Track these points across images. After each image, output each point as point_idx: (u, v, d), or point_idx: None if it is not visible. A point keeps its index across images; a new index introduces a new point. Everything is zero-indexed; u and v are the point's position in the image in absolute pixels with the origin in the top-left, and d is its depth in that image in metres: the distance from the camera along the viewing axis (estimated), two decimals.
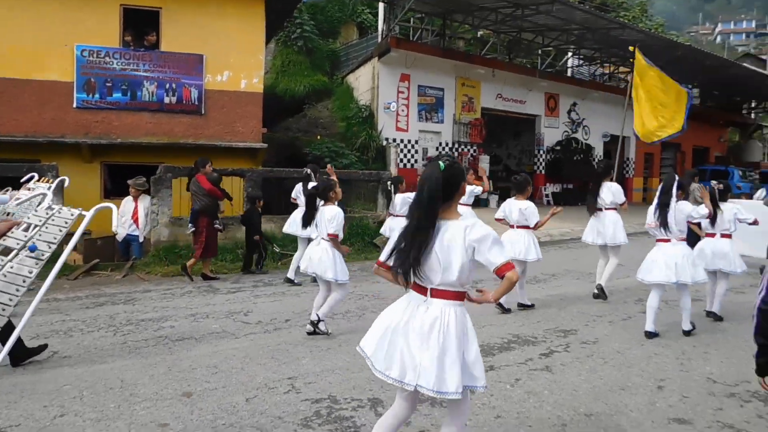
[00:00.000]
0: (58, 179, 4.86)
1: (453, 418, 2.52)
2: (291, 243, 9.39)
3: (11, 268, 2.08)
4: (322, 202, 5.19)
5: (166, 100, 11.24)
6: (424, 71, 16.56)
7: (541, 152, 19.98)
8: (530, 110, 19.56)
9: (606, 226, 6.72)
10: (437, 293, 2.43)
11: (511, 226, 6.18)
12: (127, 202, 9.09)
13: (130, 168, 10.33)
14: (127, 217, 9.02)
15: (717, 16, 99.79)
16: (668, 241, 5.24)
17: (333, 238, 5.02)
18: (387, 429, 2.56)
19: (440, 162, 2.46)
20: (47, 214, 2.27)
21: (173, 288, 7.20)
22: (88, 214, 2.26)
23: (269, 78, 20.98)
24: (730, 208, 5.96)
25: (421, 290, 2.46)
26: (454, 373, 2.33)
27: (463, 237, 2.37)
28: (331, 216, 5.00)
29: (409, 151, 16.53)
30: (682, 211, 5.22)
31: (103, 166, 11.18)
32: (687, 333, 5.33)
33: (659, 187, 5.33)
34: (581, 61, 22.94)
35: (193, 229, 7.68)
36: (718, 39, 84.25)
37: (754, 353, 2.39)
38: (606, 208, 6.80)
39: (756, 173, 24.27)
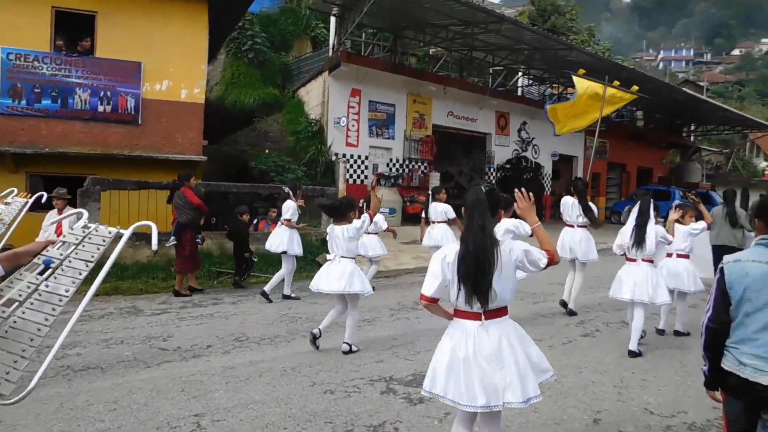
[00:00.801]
0: (37, 194, 4.35)
1: (492, 424, 2.64)
2: (229, 261, 8.98)
3: (46, 287, 2.04)
4: (332, 220, 5.30)
5: (100, 108, 10.64)
6: (376, 87, 16.44)
7: (492, 170, 20.13)
8: (481, 128, 19.70)
9: (578, 242, 6.84)
10: (491, 315, 2.57)
11: None
12: (52, 215, 8.45)
13: (59, 179, 9.67)
14: (50, 231, 8.38)
15: (659, 44, 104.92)
16: (634, 260, 5.38)
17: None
18: None
19: (481, 187, 2.65)
20: (83, 232, 2.22)
21: (93, 310, 6.66)
22: (126, 233, 2.22)
23: (218, 90, 20.48)
24: (684, 228, 6.05)
25: (473, 316, 2.57)
26: (531, 379, 2.56)
27: (510, 259, 2.57)
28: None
29: (359, 166, 16.30)
30: (656, 232, 5.31)
31: (30, 177, 10.45)
32: (632, 354, 5.24)
33: (636, 209, 5.36)
34: (531, 81, 23.38)
35: (176, 242, 7.66)
36: (661, 65, 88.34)
37: (702, 368, 2.53)
38: (579, 226, 6.93)
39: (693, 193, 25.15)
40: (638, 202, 5.37)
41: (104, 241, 2.17)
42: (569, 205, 7.02)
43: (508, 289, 2.58)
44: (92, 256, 2.12)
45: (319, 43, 21.58)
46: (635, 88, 12.75)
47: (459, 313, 2.61)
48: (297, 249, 7.53)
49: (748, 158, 40.20)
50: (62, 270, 2.07)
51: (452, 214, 8.56)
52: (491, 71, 21.67)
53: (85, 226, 2.25)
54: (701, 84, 44.14)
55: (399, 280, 9.20)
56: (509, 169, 20.06)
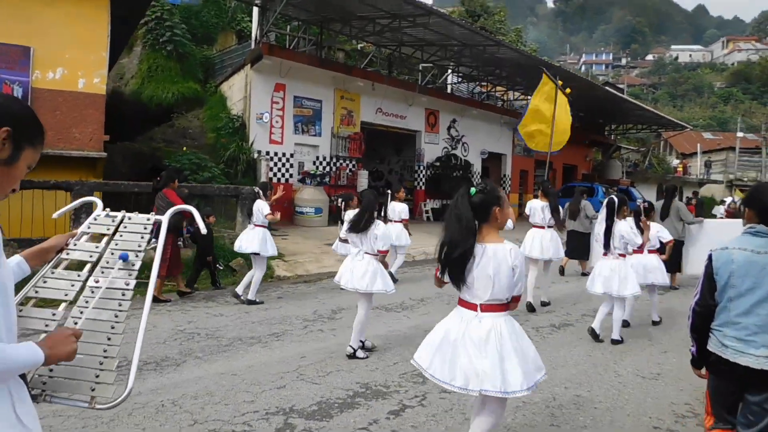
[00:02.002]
0: None
1: (491, 413, 2.77)
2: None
3: (96, 282, 1.90)
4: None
5: None
6: (301, 82, 15.72)
7: (422, 168, 19.87)
8: (411, 125, 19.39)
9: (549, 242, 7.32)
10: (486, 308, 2.71)
11: None
12: None
13: None
14: None
15: (581, 48, 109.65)
16: (606, 255, 5.73)
17: (382, 254, 5.17)
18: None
19: (472, 188, 2.77)
20: (113, 221, 2.09)
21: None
22: (165, 219, 2.11)
23: (134, 83, 19.04)
24: (654, 227, 6.57)
25: (471, 306, 2.74)
26: (518, 374, 2.62)
27: (509, 259, 2.68)
28: (380, 233, 5.13)
29: (283, 165, 15.53)
30: (620, 231, 5.65)
31: None
32: (614, 341, 5.71)
33: (603, 210, 5.72)
34: (460, 79, 23.36)
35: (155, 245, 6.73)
36: (583, 68, 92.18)
37: (690, 348, 2.73)
38: (548, 226, 7.38)
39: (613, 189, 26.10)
40: (605, 204, 5.72)
41: (145, 228, 2.06)
42: (539, 208, 7.40)
43: (504, 287, 2.69)
44: (139, 246, 2.03)
45: (245, 37, 20.55)
46: (568, 90, 12.97)
47: (461, 302, 2.81)
48: (271, 250, 7.27)
49: (662, 156, 42.44)
50: (107, 263, 1.95)
51: (407, 215, 8.77)
52: (421, 68, 21.43)
53: (108, 215, 2.10)
54: (620, 86, 46.19)
55: (319, 286, 8.56)
56: (439, 167, 19.87)
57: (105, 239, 2.02)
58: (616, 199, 5.72)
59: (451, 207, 2.79)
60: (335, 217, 15.19)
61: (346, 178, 16.90)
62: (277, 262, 9.20)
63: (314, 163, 16.32)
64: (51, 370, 1.65)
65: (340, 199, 8.47)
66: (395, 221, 8.69)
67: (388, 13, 13.69)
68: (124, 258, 1.94)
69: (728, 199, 17.61)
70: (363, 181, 17.10)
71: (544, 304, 7.48)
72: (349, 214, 7.97)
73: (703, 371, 2.69)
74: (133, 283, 1.90)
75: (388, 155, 22.99)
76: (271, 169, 14.75)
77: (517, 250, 2.75)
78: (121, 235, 2.04)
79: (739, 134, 42.44)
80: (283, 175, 15.37)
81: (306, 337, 5.59)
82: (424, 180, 19.77)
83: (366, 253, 5.03)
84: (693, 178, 40.04)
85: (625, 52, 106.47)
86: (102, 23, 10.28)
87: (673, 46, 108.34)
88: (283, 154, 15.54)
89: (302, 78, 15.63)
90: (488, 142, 22.60)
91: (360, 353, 4.93)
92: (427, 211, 19.32)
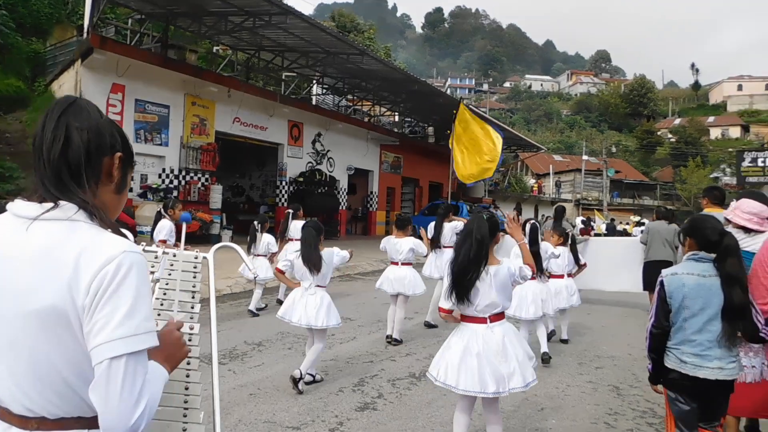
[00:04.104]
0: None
1: (496, 407, 3.22)
2: None
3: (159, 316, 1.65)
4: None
5: None
6: (144, 83, 13.87)
7: (284, 183, 18.67)
8: (273, 138, 18.14)
9: (444, 261, 7.11)
10: (495, 318, 3.13)
11: (394, 263, 6.41)
12: None
13: None
14: None
15: (447, 72, 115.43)
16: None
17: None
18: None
19: (483, 215, 3.26)
20: (155, 257, 1.81)
21: None
22: (210, 257, 1.92)
23: None
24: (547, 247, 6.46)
25: (480, 320, 3.11)
26: (529, 367, 3.15)
27: (509, 276, 3.13)
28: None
29: None
30: (545, 251, 5.75)
31: None
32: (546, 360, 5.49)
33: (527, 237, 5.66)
34: (326, 90, 22.62)
35: None
36: (448, 91, 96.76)
37: (647, 367, 2.93)
38: (445, 246, 7.30)
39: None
40: (528, 229, 5.52)
41: (195, 267, 1.87)
42: (451, 230, 7.46)
43: (506, 298, 3.15)
44: (194, 286, 1.82)
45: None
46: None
47: (466, 318, 3.15)
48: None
49: (519, 176, 45.21)
50: (161, 305, 1.74)
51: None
52: (284, 77, 20.32)
53: (145, 250, 1.84)
54: (482, 109, 48.74)
55: None
56: (303, 183, 18.79)
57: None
58: (537, 224, 5.70)
59: (471, 231, 3.10)
60: (188, 237, 13.50)
61: (198, 193, 15.22)
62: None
63: (160, 176, 14.47)
64: None
65: (256, 222, 7.82)
66: (296, 240, 8.19)
67: (242, 10, 12.44)
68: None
69: (578, 219, 18.67)
70: (217, 196, 15.52)
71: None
72: (296, 225, 8.01)
73: (660, 387, 2.92)
74: (197, 327, 1.73)
75: (249, 169, 21.50)
76: None
77: (511, 264, 3.19)
78: (170, 274, 1.84)
79: (585, 157, 46.60)
80: None
81: None
82: (286, 196, 18.59)
83: (318, 285, 4.76)
84: (547, 197, 43.05)
85: (486, 79, 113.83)
86: None
87: (527, 76, 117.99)
88: None
89: (146, 79, 13.80)
90: (355, 158, 22.02)
91: (310, 377, 4.68)
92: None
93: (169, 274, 1.82)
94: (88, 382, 1.07)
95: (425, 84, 19.56)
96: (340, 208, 20.58)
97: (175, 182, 14.74)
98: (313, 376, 4.73)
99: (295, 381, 4.42)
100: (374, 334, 6.61)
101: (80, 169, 1.16)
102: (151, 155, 14.34)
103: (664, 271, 2.84)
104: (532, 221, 5.73)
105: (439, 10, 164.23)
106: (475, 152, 11.42)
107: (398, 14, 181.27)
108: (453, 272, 3.07)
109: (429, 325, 7.14)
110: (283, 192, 18.63)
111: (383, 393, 4.55)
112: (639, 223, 22.40)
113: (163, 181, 14.41)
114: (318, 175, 19.36)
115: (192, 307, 1.76)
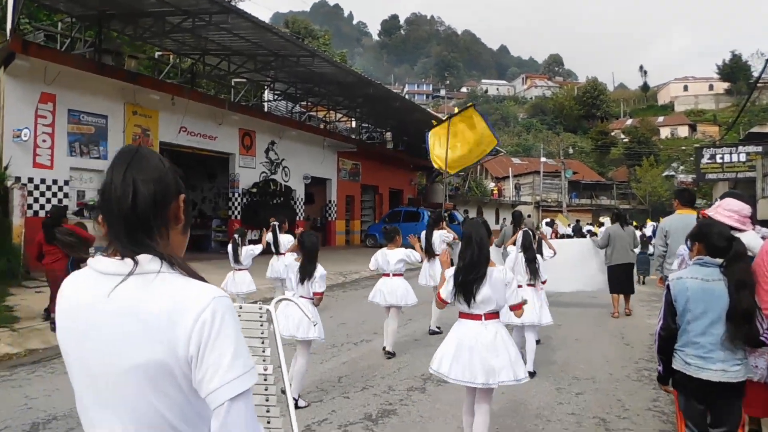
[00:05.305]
0: None
1: (487, 400, 3.41)
2: None
3: None
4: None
5: None
6: (78, 92, 12.81)
7: (237, 195, 17.73)
8: (223, 147, 17.19)
9: (437, 269, 7.46)
10: (489, 317, 3.38)
11: (386, 275, 6.42)
12: None
13: None
14: None
15: (404, 78, 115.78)
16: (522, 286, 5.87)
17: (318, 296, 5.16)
18: (469, 419, 3.50)
19: (479, 220, 3.69)
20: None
21: None
22: (272, 309, 2.04)
23: None
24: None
25: (476, 317, 3.37)
26: (521, 364, 3.39)
27: (503, 278, 3.39)
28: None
29: (54, 194, 12.40)
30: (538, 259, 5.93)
31: None
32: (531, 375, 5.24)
33: (520, 244, 5.77)
34: (278, 96, 21.77)
35: None
36: (406, 97, 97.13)
37: (657, 368, 3.00)
38: (437, 254, 7.55)
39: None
40: (521, 237, 5.71)
41: (261, 317, 2.06)
42: (440, 238, 7.86)
43: (500, 299, 3.39)
44: (263, 333, 2.02)
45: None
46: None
47: (464, 315, 3.43)
48: None
49: (479, 180, 45.19)
50: None
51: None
52: (233, 83, 19.40)
53: None
54: (440, 114, 48.68)
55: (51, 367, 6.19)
56: (257, 194, 17.88)
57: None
58: (530, 231, 5.81)
59: (471, 235, 3.42)
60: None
61: None
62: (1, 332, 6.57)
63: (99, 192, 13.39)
64: None
65: (236, 235, 7.90)
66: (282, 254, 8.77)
67: (179, 10, 11.52)
68: None
69: (544, 221, 18.49)
70: None
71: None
72: (283, 239, 8.65)
73: (669, 387, 2.99)
74: (270, 368, 1.87)
75: (200, 181, 20.44)
76: (28, 202, 11.60)
77: (505, 270, 3.49)
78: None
79: (543, 159, 46.99)
80: (46, 207, 12.14)
81: None
82: (239, 208, 17.65)
83: (302, 296, 4.83)
84: (507, 200, 43.13)
85: (443, 84, 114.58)
86: None
87: (483, 81, 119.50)
88: (54, 181, 12.43)
89: (79, 87, 12.74)
90: (311, 166, 21.22)
91: (301, 402, 4.65)
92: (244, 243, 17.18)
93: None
94: (192, 424, 1.16)
95: (380, 87, 18.93)
96: (298, 218, 19.73)
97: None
98: (296, 400, 4.62)
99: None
100: (346, 353, 5.98)
101: (150, 221, 1.19)
102: (88, 170, 13.25)
103: (671, 276, 2.97)
104: (524, 228, 5.86)
105: (394, 18, 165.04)
106: (468, 146, 11.92)
107: (354, 22, 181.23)
108: (461, 276, 3.35)
109: (433, 332, 7.37)
110: (236, 204, 17.68)
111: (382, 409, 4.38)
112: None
113: (94, 199, 13.34)
114: (273, 185, 18.47)
115: (263, 351, 1.94)
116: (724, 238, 2.82)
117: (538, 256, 6.11)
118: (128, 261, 1.14)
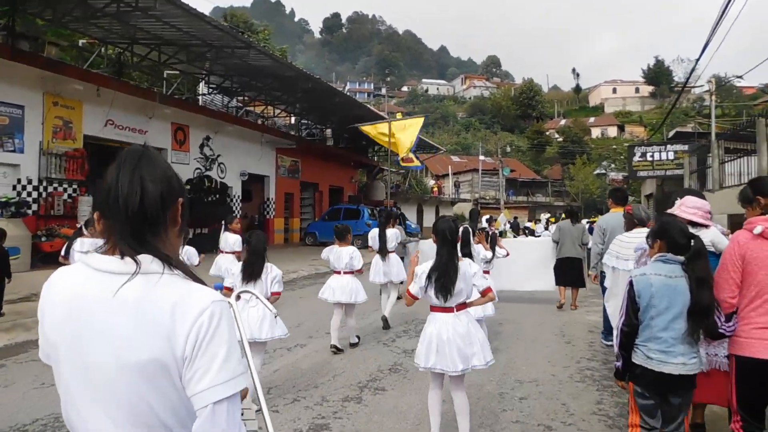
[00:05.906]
0: None
1: (461, 384, 3.69)
2: None
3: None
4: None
5: None
6: None
7: None
8: (154, 142, 16.38)
9: (391, 266, 7.95)
10: (460, 307, 3.65)
11: (337, 272, 6.50)
12: None
13: None
14: None
15: (346, 76, 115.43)
16: None
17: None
18: (437, 406, 3.75)
19: (449, 219, 3.85)
20: None
21: None
22: (233, 302, 1.86)
23: None
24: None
25: (448, 310, 3.61)
26: (488, 348, 3.73)
27: (471, 271, 3.69)
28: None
29: None
30: (479, 253, 6.10)
31: None
32: None
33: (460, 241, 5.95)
34: (213, 90, 21.05)
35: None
36: (347, 94, 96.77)
37: (615, 363, 3.10)
38: (390, 252, 7.96)
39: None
40: (461, 234, 5.59)
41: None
42: (394, 236, 8.30)
43: (469, 291, 3.69)
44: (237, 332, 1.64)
45: None
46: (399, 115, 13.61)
47: (437, 309, 3.64)
48: None
49: (420, 177, 45.57)
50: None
51: (239, 246, 8.49)
52: (165, 75, 18.58)
53: None
54: (381, 113, 48.76)
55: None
56: (191, 191, 17.19)
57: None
58: (469, 228, 5.79)
59: (445, 235, 3.65)
60: (48, 258, 11.68)
61: (64, 205, 13.33)
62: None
63: (14, 187, 12.45)
64: None
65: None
66: (227, 252, 8.83)
67: None
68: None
69: (485, 218, 18.74)
70: (87, 209, 13.67)
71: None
72: (227, 237, 8.76)
73: (625, 383, 3.08)
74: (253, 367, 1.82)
75: None
76: None
77: (469, 262, 3.83)
78: None
79: (481, 158, 47.95)
80: None
81: None
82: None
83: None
84: (447, 197, 43.71)
85: (385, 83, 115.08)
86: None
87: (423, 80, 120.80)
88: None
89: None
90: (248, 163, 20.67)
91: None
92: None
93: None
94: (182, 422, 1.17)
95: (320, 81, 18.65)
96: (235, 216, 19.16)
97: (34, 194, 12.79)
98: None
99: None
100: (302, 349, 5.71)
101: (157, 220, 1.20)
102: (1, 164, 12.31)
103: (633, 272, 3.08)
104: (464, 225, 5.85)
105: (336, 16, 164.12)
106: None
107: (296, 19, 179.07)
108: (437, 273, 3.54)
109: (384, 326, 7.61)
110: None
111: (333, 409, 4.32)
112: (549, 221, 22.97)
113: (18, 194, 12.42)
114: (208, 182, 17.83)
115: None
116: (684, 235, 2.92)
117: (491, 253, 6.58)
118: (129, 260, 1.15)
